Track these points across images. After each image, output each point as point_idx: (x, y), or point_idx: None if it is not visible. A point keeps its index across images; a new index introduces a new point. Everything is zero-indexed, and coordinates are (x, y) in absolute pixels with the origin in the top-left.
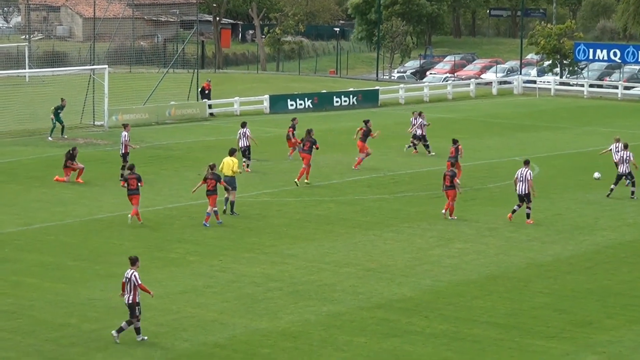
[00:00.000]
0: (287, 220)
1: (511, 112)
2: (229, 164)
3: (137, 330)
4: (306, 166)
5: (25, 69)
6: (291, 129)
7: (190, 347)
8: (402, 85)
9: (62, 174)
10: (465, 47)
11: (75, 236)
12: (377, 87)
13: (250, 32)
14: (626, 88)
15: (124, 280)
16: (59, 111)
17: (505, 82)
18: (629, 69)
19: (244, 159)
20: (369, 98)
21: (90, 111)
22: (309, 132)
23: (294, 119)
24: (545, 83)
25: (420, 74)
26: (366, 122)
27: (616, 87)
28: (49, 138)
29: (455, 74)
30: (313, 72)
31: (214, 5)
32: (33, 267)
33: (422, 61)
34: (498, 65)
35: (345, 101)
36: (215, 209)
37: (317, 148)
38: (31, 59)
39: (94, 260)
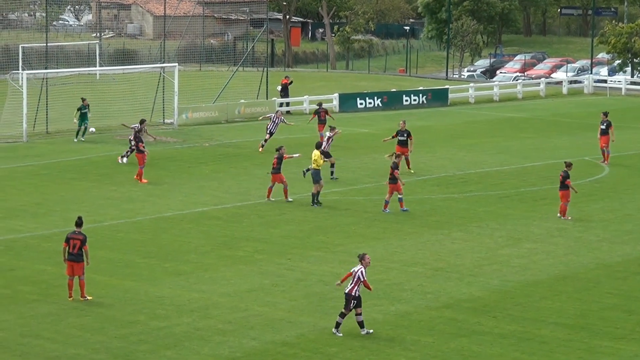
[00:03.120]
0: (355, 219)
1: (581, 112)
2: (315, 157)
3: (360, 324)
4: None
5: (96, 66)
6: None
7: (258, 345)
8: (472, 84)
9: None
10: (536, 46)
11: (145, 234)
12: (446, 86)
13: (320, 30)
14: None
15: (350, 271)
16: (83, 111)
17: (575, 82)
18: None
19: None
20: (439, 97)
21: (160, 109)
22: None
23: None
24: (616, 82)
25: (490, 72)
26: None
27: None
28: (75, 140)
29: (526, 73)
30: (382, 71)
31: (284, 3)
32: (102, 264)
33: (492, 60)
34: (568, 65)
35: (414, 100)
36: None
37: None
38: (102, 56)
39: (162, 257)
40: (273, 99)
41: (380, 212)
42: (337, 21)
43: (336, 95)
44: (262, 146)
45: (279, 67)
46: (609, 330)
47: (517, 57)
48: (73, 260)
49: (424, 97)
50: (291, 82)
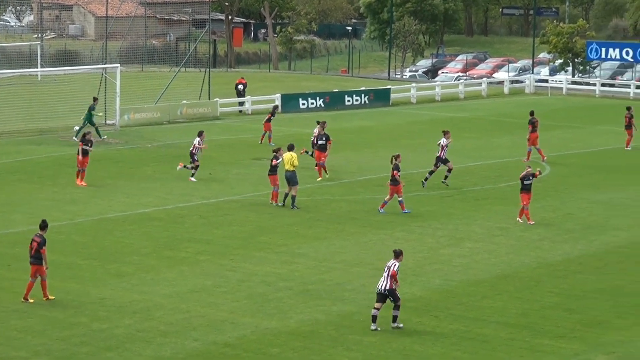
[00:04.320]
0: (298, 220)
1: (523, 111)
2: (287, 159)
3: (374, 318)
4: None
5: (37, 67)
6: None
7: (200, 347)
8: (414, 85)
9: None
10: (477, 46)
11: (86, 235)
12: (388, 86)
13: (263, 31)
14: (638, 87)
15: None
16: (92, 112)
17: (517, 81)
18: None
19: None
20: (381, 97)
21: (102, 110)
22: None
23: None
24: (557, 82)
25: (432, 73)
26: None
27: (628, 87)
28: (101, 138)
29: (467, 73)
30: (325, 71)
31: (226, 4)
32: None
33: (434, 60)
34: (510, 64)
35: (356, 100)
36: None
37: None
38: (43, 57)
39: (104, 259)
40: (215, 99)
41: (322, 212)
42: (280, 22)
43: (278, 95)
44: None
45: (221, 67)
46: (550, 329)
47: (459, 57)
48: (31, 262)
49: (366, 97)
50: (246, 85)
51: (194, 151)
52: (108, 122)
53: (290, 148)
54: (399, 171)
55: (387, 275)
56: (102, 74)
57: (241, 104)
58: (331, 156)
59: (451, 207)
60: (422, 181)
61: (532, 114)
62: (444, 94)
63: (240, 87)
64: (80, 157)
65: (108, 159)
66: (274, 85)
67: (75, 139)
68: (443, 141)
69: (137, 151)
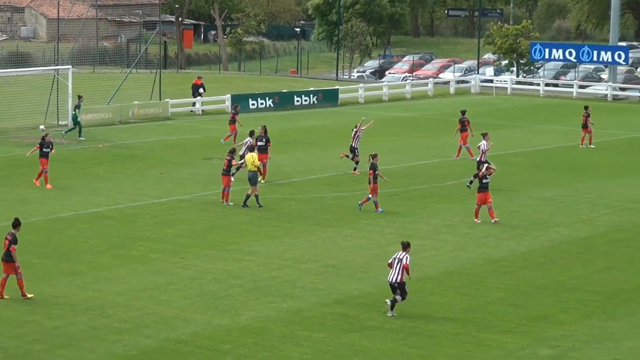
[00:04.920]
0: (248, 218)
1: (468, 111)
2: (249, 160)
3: (392, 306)
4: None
5: None
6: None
7: (152, 344)
8: (361, 85)
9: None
10: (424, 47)
11: (40, 234)
12: (337, 87)
13: (212, 32)
14: (581, 87)
15: (390, 261)
16: (77, 110)
17: (462, 82)
18: (583, 68)
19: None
20: (329, 97)
21: (54, 111)
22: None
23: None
24: (502, 82)
25: (379, 73)
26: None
27: (571, 86)
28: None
29: (414, 74)
30: (274, 72)
31: (177, 6)
32: None
33: (381, 61)
34: (456, 65)
35: (305, 100)
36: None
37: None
38: None
39: (58, 258)
40: (166, 100)
41: (272, 211)
42: (229, 23)
43: (228, 96)
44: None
45: (172, 68)
46: (496, 324)
47: (406, 58)
48: (3, 260)
49: (315, 97)
50: (202, 85)
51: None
52: (60, 122)
53: (251, 149)
54: (375, 170)
55: (399, 267)
56: (54, 76)
57: (195, 102)
58: (280, 155)
59: (399, 205)
60: (467, 185)
61: (463, 113)
62: (391, 94)
63: (201, 90)
64: (42, 158)
65: (61, 159)
66: (224, 86)
67: (64, 137)
68: (483, 144)
69: (89, 151)
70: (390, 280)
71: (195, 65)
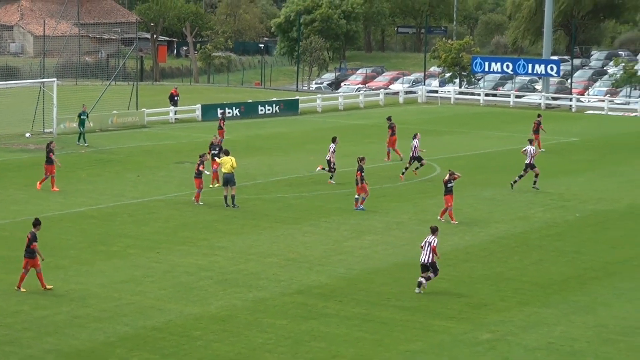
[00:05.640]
0: (217, 216)
1: (416, 119)
2: (227, 162)
3: (419, 284)
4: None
5: None
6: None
7: (130, 331)
8: (319, 95)
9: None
10: (376, 61)
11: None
12: (297, 97)
13: (184, 48)
14: (517, 97)
15: (422, 244)
16: (82, 117)
17: (410, 92)
18: (519, 79)
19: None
20: (290, 107)
21: (40, 119)
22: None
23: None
24: (446, 92)
25: (335, 85)
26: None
27: (509, 96)
28: (78, 143)
29: (367, 85)
30: (240, 84)
31: (152, 24)
32: None
33: (337, 74)
34: (404, 77)
35: (269, 110)
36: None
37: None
38: None
39: (44, 253)
40: (142, 109)
41: (239, 209)
42: (200, 40)
43: (199, 106)
44: (403, 174)
45: (148, 81)
46: (441, 311)
47: (359, 71)
48: (24, 256)
49: (277, 107)
50: (178, 95)
51: (330, 158)
52: (46, 130)
53: (227, 153)
54: (362, 172)
55: (429, 249)
56: (41, 88)
57: (169, 112)
58: (246, 160)
59: (353, 204)
60: (511, 183)
61: (389, 119)
62: (346, 104)
63: (177, 98)
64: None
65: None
66: (195, 97)
67: (78, 143)
68: (531, 149)
69: (72, 156)
70: (422, 260)
71: (169, 77)
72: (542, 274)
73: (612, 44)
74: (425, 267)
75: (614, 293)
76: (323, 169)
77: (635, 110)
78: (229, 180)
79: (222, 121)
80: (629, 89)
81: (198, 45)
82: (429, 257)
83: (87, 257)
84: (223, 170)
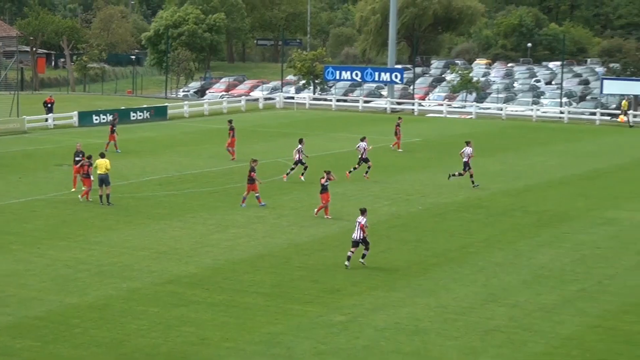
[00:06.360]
0: (93, 214)
1: (275, 123)
2: (102, 164)
3: (348, 258)
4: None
5: None
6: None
7: (13, 320)
8: (186, 102)
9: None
10: (237, 70)
11: None
12: (166, 104)
13: (62, 60)
14: (366, 102)
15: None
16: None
17: (269, 99)
18: (367, 86)
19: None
20: (160, 113)
21: None
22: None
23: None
24: (302, 99)
25: (201, 92)
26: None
27: (358, 101)
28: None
29: (229, 92)
30: (114, 92)
31: (31, 38)
32: None
33: (202, 82)
34: (264, 85)
35: (140, 116)
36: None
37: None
38: None
39: None
40: (23, 117)
41: (113, 207)
42: (76, 52)
43: (75, 113)
44: (350, 172)
45: (28, 90)
46: (299, 297)
47: (223, 80)
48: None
49: (148, 113)
50: (53, 102)
51: (299, 157)
52: None
53: (102, 156)
54: (254, 172)
55: (358, 228)
56: None
57: (47, 118)
58: (120, 161)
59: (218, 201)
60: (451, 175)
61: (230, 122)
62: (211, 110)
63: (50, 105)
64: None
65: None
66: (72, 105)
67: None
68: (468, 150)
69: None
70: (354, 237)
71: (48, 87)
72: (389, 261)
73: (450, 53)
74: (356, 243)
75: (453, 277)
76: (292, 169)
77: (470, 113)
78: (103, 181)
79: (112, 126)
80: (465, 94)
81: (74, 57)
82: (359, 234)
83: None
84: (98, 171)
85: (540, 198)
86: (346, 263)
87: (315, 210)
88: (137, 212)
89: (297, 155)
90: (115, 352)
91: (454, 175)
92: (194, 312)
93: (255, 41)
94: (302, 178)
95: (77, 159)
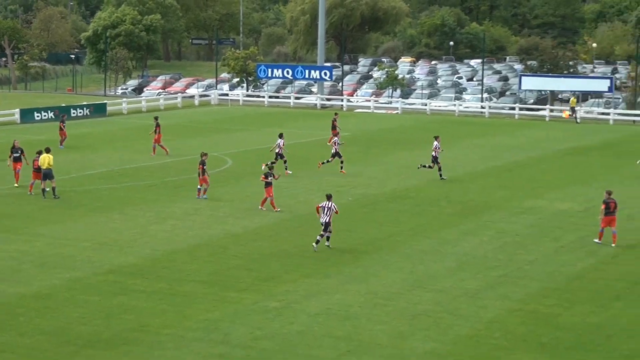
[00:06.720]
0: (37, 207)
1: (210, 119)
2: (45, 159)
3: (322, 239)
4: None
5: None
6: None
7: None
8: (124, 99)
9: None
10: (174, 69)
11: None
12: (105, 101)
13: (3, 59)
14: (297, 98)
15: (321, 205)
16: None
17: (204, 96)
18: (298, 83)
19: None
20: (99, 110)
21: None
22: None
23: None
24: (236, 95)
25: (139, 90)
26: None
27: (289, 98)
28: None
29: (166, 90)
30: (54, 90)
31: None
32: None
33: (140, 80)
34: (199, 82)
35: (80, 112)
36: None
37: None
38: None
39: None
40: None
41: (56, 200)
42: (17, 51)
43: (17, 110)
44: (323, 163)
45: None
46: (235, 284)
47: (160, 78)
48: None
49: (88, 110)
50: None
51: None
52: None
53: (47, 151)
54: (204, 166)
55: (330, 212)
56: None
57: None
58: (62, 157)
59: (157, 194)
60: (421, 166)
61: (156, 118)
62: (149, 106)
63: None
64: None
65: None
66: (14, 102)
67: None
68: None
69: None
70: (324, 220)
71: None
72: (322, 250)
73: (376, 52)
74: (326, 225)
75: (382, 264)
76: (273, 163)
77: (396, 109)
78: (47, 175)
79: (62, 123)
80: (391, 90)
81: (16, 56)
82: (329, 218)
83: None
84: (42, 166)
85: (463, 189)
86: (314, 246)
87: (260, 203)
88: (79, 205)
89: (278, 150)
90: (59, 339)
91: (423, 166)
92: (134, 300)
93: (190, 41)
94: (289, 172)
95: (15, 155)
